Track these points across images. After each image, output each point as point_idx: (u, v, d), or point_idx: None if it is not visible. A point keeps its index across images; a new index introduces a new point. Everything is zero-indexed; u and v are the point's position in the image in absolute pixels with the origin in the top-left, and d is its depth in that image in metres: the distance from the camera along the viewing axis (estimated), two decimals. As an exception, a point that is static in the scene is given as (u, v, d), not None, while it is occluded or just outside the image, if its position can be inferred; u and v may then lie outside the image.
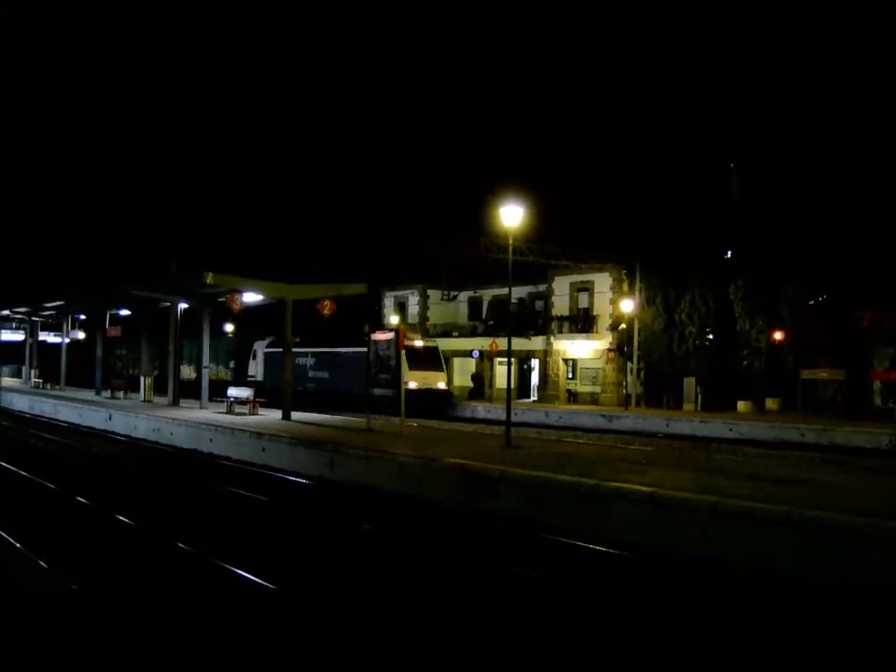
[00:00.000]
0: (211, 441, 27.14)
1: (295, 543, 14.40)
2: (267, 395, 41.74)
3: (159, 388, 42.47)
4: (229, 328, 60.37)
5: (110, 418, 35.34)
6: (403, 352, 37.75)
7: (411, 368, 41.22)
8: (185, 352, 57.09)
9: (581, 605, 10.89)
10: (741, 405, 41.27)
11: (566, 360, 48.79)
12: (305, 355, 49.24)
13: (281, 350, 48.05)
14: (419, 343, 45.15)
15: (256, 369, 53.03)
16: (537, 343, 49.52)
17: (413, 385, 40.11)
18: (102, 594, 10.89)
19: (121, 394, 44.88)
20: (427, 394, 41.37)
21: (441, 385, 43.67)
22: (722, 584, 11.79)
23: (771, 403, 41.90)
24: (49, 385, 55.40)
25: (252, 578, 11.49)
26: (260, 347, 52.70)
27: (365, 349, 41.54)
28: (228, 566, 12.07)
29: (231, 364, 56.97)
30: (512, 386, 26.84)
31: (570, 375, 48.87)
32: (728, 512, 12.86)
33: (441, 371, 44.54)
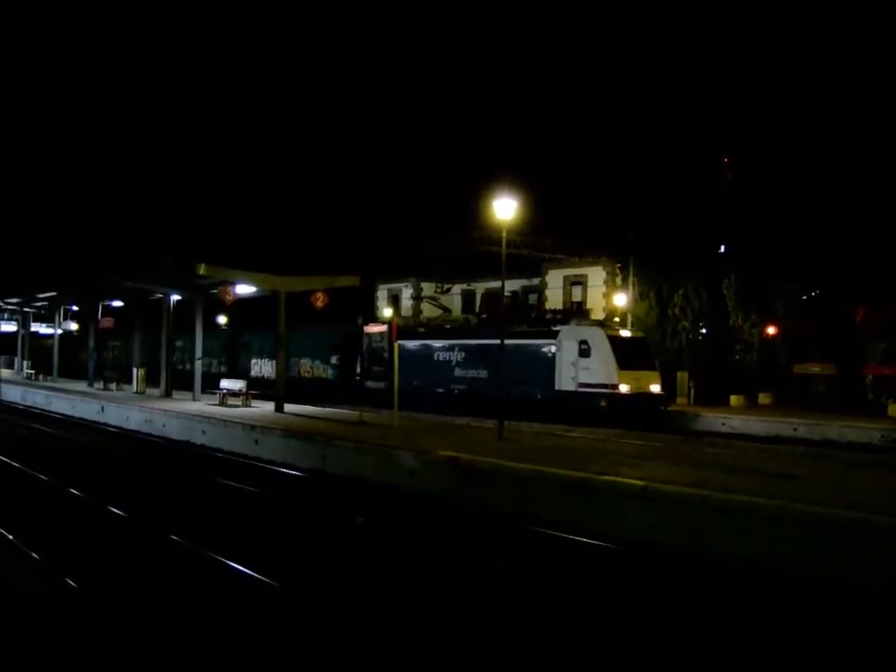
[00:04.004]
0: (203, 432, 27.12)
1: (287, 535, 14.40)
2: (386, 397, 35.28)
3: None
4: (222, 319, 60.14)
5: (102, 409, 35.29)
6: (610, 347, 32.63)
7: (621, 366, 32.57)
8: (255, 345, 50.50)
9: (566, 598, 10.93)
10: (734, 399, 41.36)
11: (559, 354, 48.57)
12: (450, 349, 39.41)
13: (406, 342, 39.29)
14: (626, 332, 35.69)
15: (367, 364, 43.85)
16: (530, 335, 49.35)
17: (624, 388, 32.17)
18: (96, 588, 10.88)
19: (114, 385, 44.78)
20: (641, 399, 32.52)
21: (656, 388, 33.62)
22: (714, 578, 11.82)
23: (763, 398, 42.02)
24: (41, 377, 55.26)
25: (245, 570, 11.50)
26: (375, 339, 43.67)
27: (552, 341, 34.76)
28: (221, 558, 12.08)
29: (333, 360, 46.19)
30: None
31: (563, 368, 48.67)
32: (719, 506, 12.90)
33: (655, 369, 34.47)
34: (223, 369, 50.82)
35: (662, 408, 33.77)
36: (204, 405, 32.20)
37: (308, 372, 46.72)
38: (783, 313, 42.69)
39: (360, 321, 46.90)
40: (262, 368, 49.30)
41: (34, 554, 12.14)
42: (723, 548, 12.51)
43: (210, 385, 36.01)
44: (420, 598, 10.74)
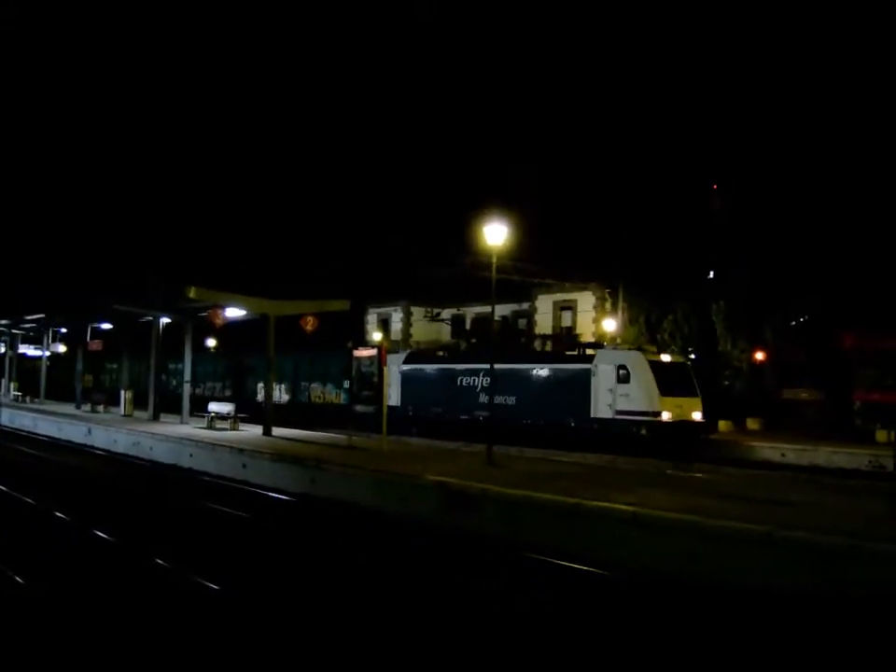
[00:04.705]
0: (191, 456, 26.98)
1: (274, 560, 14.29)
2: (407, 423, 36.42)
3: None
4: (211, 342, 59.99)
5: (90, 432, 35.09)
6: (650, 372, 31.13)
7: (662, 392, 30.99)
8: (262, 368, 43.24)
9: (557, 624, 10.86)
10: (722, 425, 41.30)
11: (548, 379, 48.49)
12: (475, 373, 36.76)
13: (427, 366, 39.82)
14: (667, 357, 33.58)
15: (388, 390, 40.82)
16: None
17: (666, 416, 30.57)
18: (80, 611, 10.78)
19: (101, 408, 44.57)
20: (683, 428, 30.85)
21: (698, 416, 31.92)
22: (706, 604, 11.77)
23: (752, 423, 42.01)
24: (28, 399, 54.98)
25: (229, 593, 11.41)
26: (394, 363, 40.13)
27: (586, 365, 32.89)
28: (206, 582, 11.97)
29: (347, 384, 43.89)
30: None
31: (553, 394, 48.56)
32: (710, 532, 12.88)
33: (697, 395, 32.61)
34: (228, 392, 49.29)
35: (704, 436, 32.36)
36: (192, 428, 32.06)
37: (319, 398, 45.07)
38: (772, 339, 42.80)
39: (350, 345, 46.82)
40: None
41: (17, 579, 12.02)
42: (714, 573, 12.48)
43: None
44: (404, 623, 10.65)
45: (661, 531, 13.50)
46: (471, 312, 54.88)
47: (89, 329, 49.55)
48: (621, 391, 31.59)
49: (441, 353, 42.63)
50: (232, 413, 33.23)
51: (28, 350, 63.26)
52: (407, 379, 40.35)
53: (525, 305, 51.02)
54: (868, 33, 46.92)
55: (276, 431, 30.43)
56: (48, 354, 55.56)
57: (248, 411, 36.13)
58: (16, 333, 58.77)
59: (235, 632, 10.11)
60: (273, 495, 21.34)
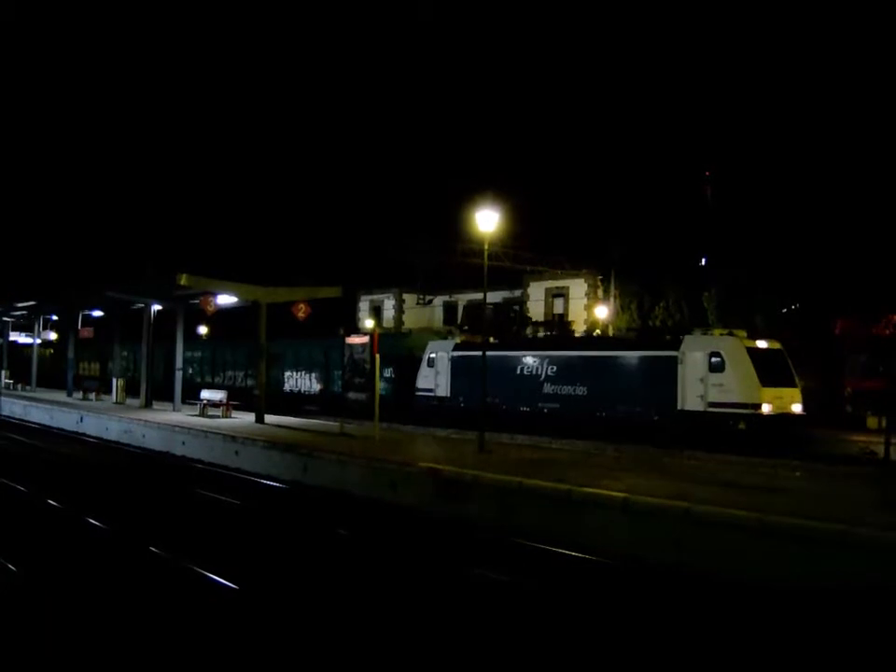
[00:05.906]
0: (184, 443, 26.98)
1: (267, 547, 14.32)
2: (458, 416, 34.03)
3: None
4: (202, 329, 59.85)
5: (81, 420, 35.05)
6: (749, 360, 28.11)
7: (762, 382, 27.93)
8: (289, 357, 45.87)
9: (548, 610, 10.90)
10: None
11: (540, 366, 48.45)
12: (538, 360, 33.82)
13: (481, 353, 35.89)
14: (763, 343, 30.21)
15: (436, 379, 37.58)
16: (511, 347, 49.29)
17: (766, 408, 27.47)
18: (76, 598, 10.80)
19: (93, 395, 44.47)
20: (784, 421, 27.94)
21: (798, 409, 28.74)
22: (693, 590, 11.83)
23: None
24: (19, 386, 54.84)
25: (226, 583, 11.42)
26: (442, 350, 37.78)
27: (671, 352, 29.68)
28: (202, 570, 11.99)
29: (386, 373, 40.17)
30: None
31: (545, 380, 48.54)
32: (699, 519, 12.93)
33: (796, 385, 29.52)
34: (249, 382, 46.05)
35: (802, 430, 29.27)
36: (184, 416, 32.03)
37: None
38: (763, 325, 42.86)
39: (342, 332, 46.74)
40: (298, 381, 45.64)
41: (10, 566, 12.03)
42: (702, 559, 12.54)
43: (231, 397, 34.75)
44: (398, 613, 10.68)
45: (650, 517, 13.54)
46: (464, 298, 54.87)
47: (80, 317, 49.41)
48: (714, 381, 28.45)
49: (493, 339, 38.96)
50: (224, 401, 33.20)
51: (19, 338, 63.10)
52: (458, 368, 36.98)
53: (518, 292, 51.05)
54: (863, 25, 46.93)
55: (268, 419, 30.41)
56: (39, 341, 55.42)
57: (272, 400, 34.83)
58: (7, 321, 58.52)
59: (228, 617, 10.14)
60: (266, 482, 21.37)
